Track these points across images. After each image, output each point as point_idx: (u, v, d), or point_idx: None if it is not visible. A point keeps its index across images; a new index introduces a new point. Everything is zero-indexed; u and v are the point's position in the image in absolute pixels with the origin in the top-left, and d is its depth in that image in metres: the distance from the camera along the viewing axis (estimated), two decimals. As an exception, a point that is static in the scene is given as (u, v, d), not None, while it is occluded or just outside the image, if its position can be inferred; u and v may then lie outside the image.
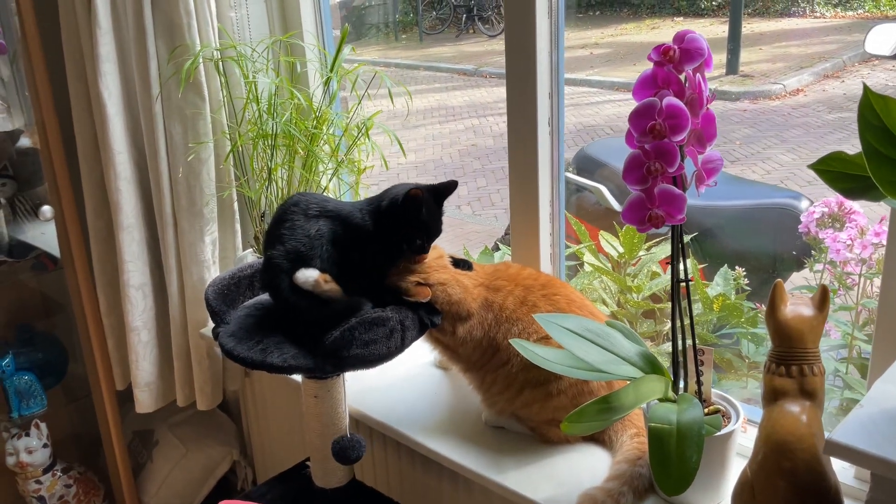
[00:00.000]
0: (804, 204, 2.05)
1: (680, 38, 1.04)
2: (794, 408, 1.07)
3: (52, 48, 1.93)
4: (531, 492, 1.31)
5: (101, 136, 1.89)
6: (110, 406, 2.21)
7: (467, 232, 4.90)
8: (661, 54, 1.04)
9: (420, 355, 1.75)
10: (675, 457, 1.06)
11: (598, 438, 1.41)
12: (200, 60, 1.78)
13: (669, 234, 1.16)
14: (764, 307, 1.18)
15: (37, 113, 1.95)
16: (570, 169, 2.57)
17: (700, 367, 1.22)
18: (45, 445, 2.25)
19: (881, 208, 1.13)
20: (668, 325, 1.43)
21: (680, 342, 1.19)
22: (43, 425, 2.25)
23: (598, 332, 1.24)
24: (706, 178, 1.10)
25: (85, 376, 2.24)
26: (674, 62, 1.04)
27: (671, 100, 1.03)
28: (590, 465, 1.36)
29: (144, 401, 2.08)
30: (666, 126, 1.03)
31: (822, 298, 1.11)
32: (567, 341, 1.20)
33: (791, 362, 1.09)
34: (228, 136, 1.89)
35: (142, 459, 2.38)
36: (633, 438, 1.35)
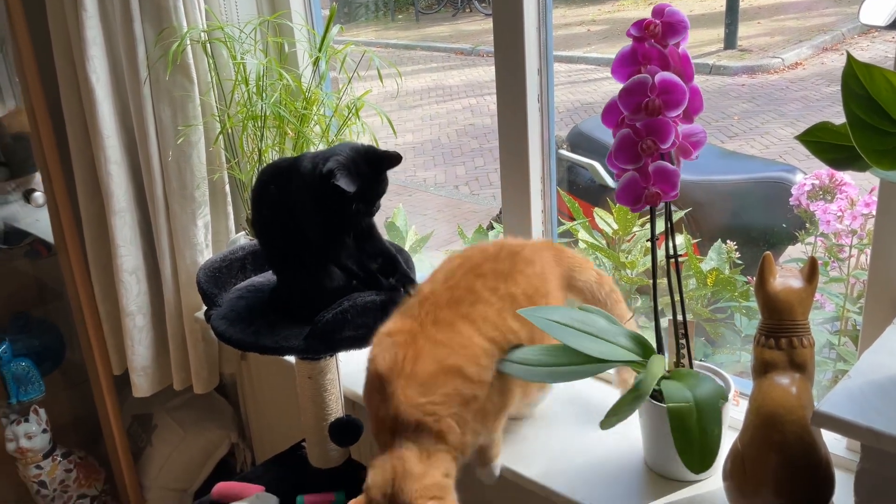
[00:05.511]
0: (798, 177, 2.04)
1: (659, 11, 1.02)
2: (784, 380, 1.07)
3: (39, 33, 1.92)
4: (524, 468, 1.32)
5: (90, 120, 1.88)
6: (108, 391, 2.22)
7: (465, 212, 4.88)
8: (643, 29, 1.03)
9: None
10: (698, 433, 1.04)
11: None
12: (188, 42, 1.77)
13: (660, 211, 1.15)
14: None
15: (26, 98, 1.94)
16: (565, 146, 2.55)
17: (682, 341, 1.22)
18: (44, 431, 2.26)
19: (873, 179, 1.12)
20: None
21: (669, 316, 1.19)
22: (42, 411, 2.26)
23: (584, 319, 1.17)
24: (693, 151, 1.09)
25: (82, 362, 2.24)
26: (656, 37, 1.02)
27: (665, 75, 1.01)
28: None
29: (141, 385, 2.08)
30: (660, 102, 1.02)
31: (811, 270, 1.10)
32: (561, 334, 1.13)
33: (780, 335, 1.09)
34: (218, 119, 1.88)
35: (141, 443, 2.39)
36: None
